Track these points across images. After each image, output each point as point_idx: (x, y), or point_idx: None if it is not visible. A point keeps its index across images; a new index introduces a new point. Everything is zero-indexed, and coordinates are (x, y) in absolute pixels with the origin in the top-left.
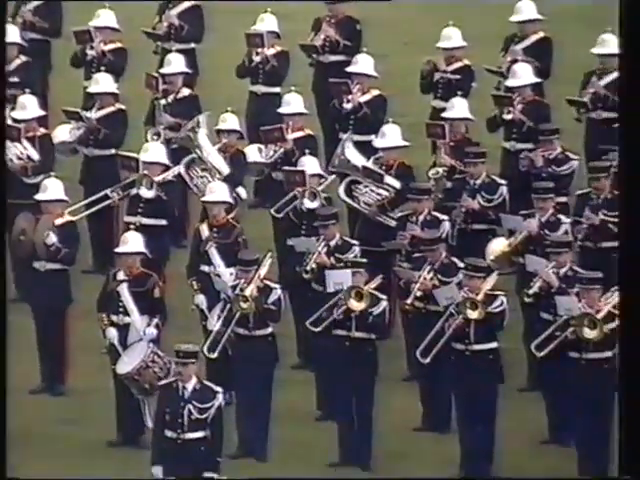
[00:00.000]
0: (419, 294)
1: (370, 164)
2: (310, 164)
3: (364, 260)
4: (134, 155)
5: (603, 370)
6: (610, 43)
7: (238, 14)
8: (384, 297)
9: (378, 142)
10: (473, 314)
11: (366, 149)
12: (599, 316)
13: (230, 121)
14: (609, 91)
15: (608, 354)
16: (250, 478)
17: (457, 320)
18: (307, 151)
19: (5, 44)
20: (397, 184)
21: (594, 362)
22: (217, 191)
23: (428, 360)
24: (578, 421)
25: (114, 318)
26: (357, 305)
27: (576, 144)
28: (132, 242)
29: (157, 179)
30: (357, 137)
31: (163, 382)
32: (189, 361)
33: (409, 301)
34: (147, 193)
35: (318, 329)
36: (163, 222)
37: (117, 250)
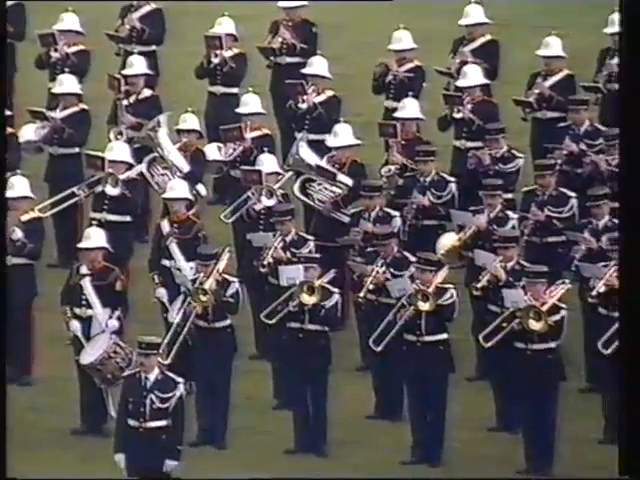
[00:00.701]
0: (372, 287)
1: (323, 163)
2: (268, 162)
3: (317, 255)
4: (100, 154)
5: (547, 360)
6: (554, 45)
7: (197, 17)
8: (336, 290)
9: (331, 141)
10: (424, 306)
11: (321, 148)
12: (544, 308)
13: (190, 121)
14: (554, 91)
15: (552, 345)
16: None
17: (409, 311)
18: (265, 149)
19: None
20: (350, 182)
21: (539, 352)
22: (177, 188)
23: (380, 348)
24: (524, 409)
25: (77, 311)
26: (309, 299)
27: (522, 143)
28: (94, 237)
29: (122, 177)
30: (312, 136)
31: (127, 372)
32: (151, 352)
33: (362, 294)
34: (112, 190)
35: (272, 321)
36: (127, 218)
37: (80, 245)
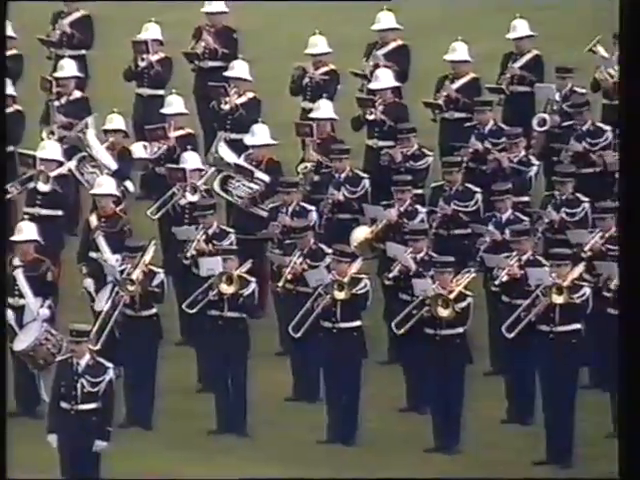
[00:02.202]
0: (290, 277)
1: (241, 161)
2: (191, 160)
3: (235, 247)
4: (32, 152)
5: (455, 344)
6: (460, 50)
7: (125, 23)
8: (253, 280)
9: (248, 140)
10: (340, 295)
11: (240, 146)
12: (451, 296)
13: (116, 121)
14: (460, 93)
15: (459, 330)
16: None
17: (325, 300)
18: (188, 148)
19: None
20: (267, 178)
21: (447, 337)
22: (105, 185)
23: (299, 334)
24: (433, 390)
25: (10, 300)
26: (227, 288)
27: (431, 141)
28: (26, 231)
29: (52, 174)
30: (234, 135)
31: (59, 358)
32: (82, 339)
33: (281, 283)
34: (43, 187)
35: (193, 311)
36: (59, 213)
37: (12, 238)
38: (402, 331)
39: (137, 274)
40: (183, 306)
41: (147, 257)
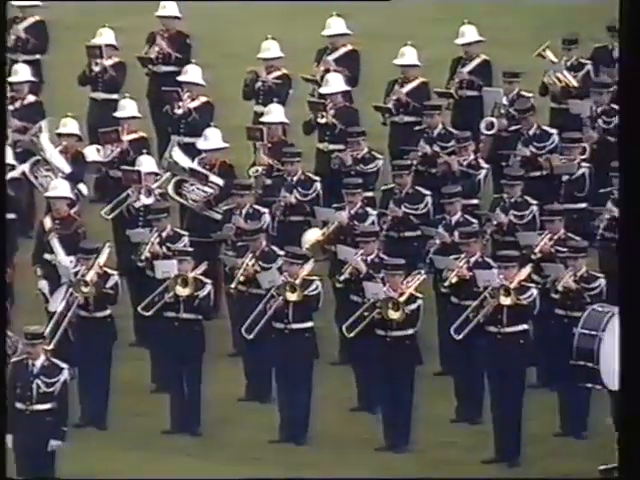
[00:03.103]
0: (242, 279)
1: (195, 165)
2: (146, 163)
3: (190, 249)
4: None
5: (405, 346)
6: (410, 55)
7: (79, 28)
8: (208, 282)
9: (201, 144)
10: (292, 296)
11: (194, 150)
12: (401, 299)
13: (70, 125)
14: (410, 97)
15: (409, 332)
16: None
17: (277, 301)
18: (144, 151)
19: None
20: (220, 182)
21: (397, 339)
22: (59, 188)
23: (252, 336)
24: (384, 390)
25: None
26: (183, 290)
27: (381, 145)
28: None
29: (7, 178)
30: (187, 139)
31: (14, 359)
32: (37, 342)
33: (233, 285)
34: None
35: (149, 313)
36: (12, 216)
37: None
38: (353, 334)
39: (91, 276)
40: (139, 309)
41: (101, 259)
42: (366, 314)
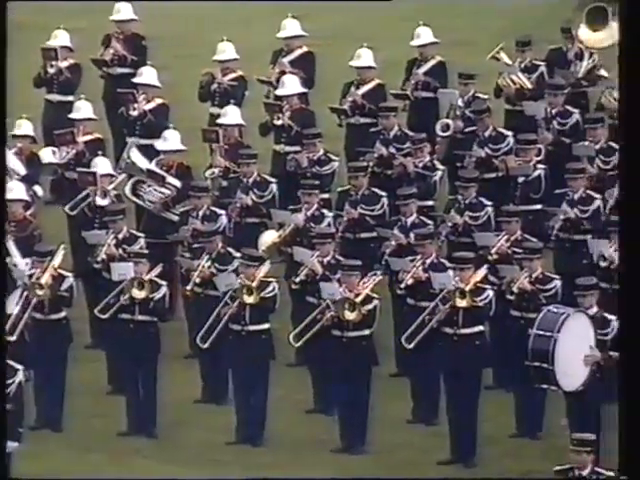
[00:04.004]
0: (198, 280)
1: (153, 166)
2: (102, 164)
3: (146, 251)
4: None
5: (361, 346)
6: (365, 57)
7: (35, 30)
8: (164, 283)
9: (160, 145)
10: (249, 299)
11: (151, 152)
12: (358, 299)
13: (24, 127)
14: (366, 99)
15: (365, 332)
16: None
17: (235, 304)
18: (99, 152)
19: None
20: (177, 183)
21: (353, 339)
22: (14, 190)
23: (207, 345)
24: (340, 392)
25: None
26: (139, 293)
27: (337, 147)
28: None
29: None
30: (143, 141)
31: None
32: None
33: (189, 287)
34: None
35: (105, 316)
36: None
37: None
38: (309, 336)
39: (46, 278)
40: (95, 311)
41: (56, 261)
42: (322, 315)
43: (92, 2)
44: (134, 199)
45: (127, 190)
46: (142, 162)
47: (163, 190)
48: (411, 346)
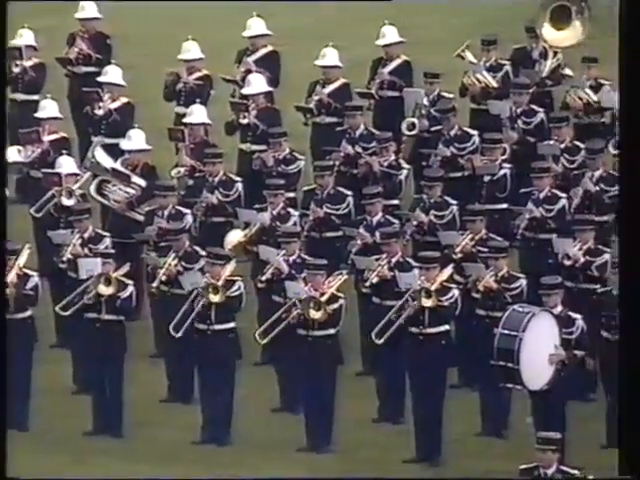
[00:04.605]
0: (164, 278)
1: (118, 165)
2: (66, 164)
3: (112, 251)
4: None
5: (327, 345)
6: (331, 56)
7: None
8: (130, 282)
9: (125, 145)
10: (215, 298)
11: (116, 151)
12: (323, 299)
13: None
14: (331, 98)
15: (331, 331)
16: None
17: (201, 303)
18: (63, 152)
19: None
20: (143, 183)
21: (319, 338)
22: None
23: (180, 334)
24: (305, 391)
25: None
26: (106, 290)
27: (303, 145)
28: None
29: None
30: (108, 140)
31: None
32: None
33: (155, 284)
34: None
35: (67, 313)
36: None
37: None
38: (274, 334)
39: (11, 277)
40: (56, 308)
41: (21, 260)
42: (285, 315)
43: (57, 2)
44: (99, 198)
45: (92, 189)
46: (107, 161)
47: (128, 189)
48: (381, 341)
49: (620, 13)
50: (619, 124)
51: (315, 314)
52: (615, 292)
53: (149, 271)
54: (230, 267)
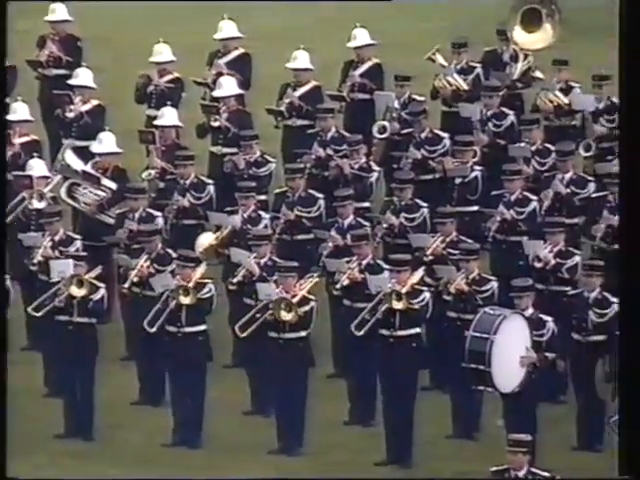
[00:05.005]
0: (136, 279)
1: (88, 168)
2: (37, 167)
3: (84, 253)
4: None
5: (298, 348)
6: (302, 58)
7: None
8: (102, 285)
9: (95, 148)
10: (185, 300)
11: (86, 154)
12: (294, 300)
13: None
14: (303, 101)
15: (302, 334)
16: None
17: (172, 305)
18: (34, 155)
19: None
20: (113, 185)
21: (290, 341)
22: None
23: (154, 330)
24: (277, 393)
25: None
26: (78, 291)
27: (274, 148)
28: None
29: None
30: (79, 143)
31: None
32: None
33: (127, 285)
34: None
35: (39, 314)
36: None
37: None
38: (245, 334)
39: None
40: (29, 309)
41: None
42: (258, 316)
43: (28, 2)
44: (69, 201)
45: (62, 192)
46: (77, 164)
47: (98, 192)
48: (361, 332)
49: (620, 13)
50: (619, 124)
51: (286, 315)
52: (586, 294)
53: (121, 272)
54: (201, 269)
